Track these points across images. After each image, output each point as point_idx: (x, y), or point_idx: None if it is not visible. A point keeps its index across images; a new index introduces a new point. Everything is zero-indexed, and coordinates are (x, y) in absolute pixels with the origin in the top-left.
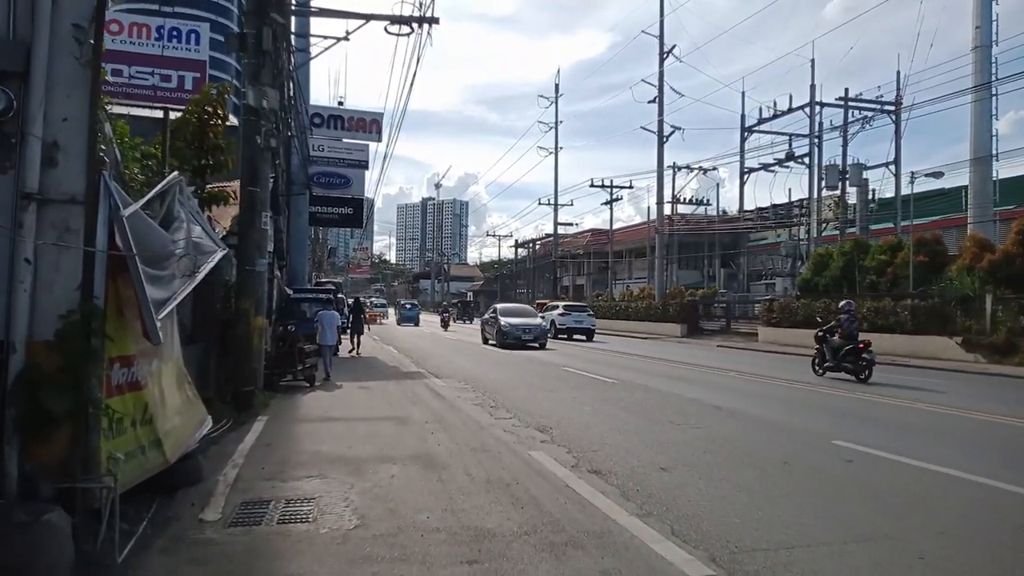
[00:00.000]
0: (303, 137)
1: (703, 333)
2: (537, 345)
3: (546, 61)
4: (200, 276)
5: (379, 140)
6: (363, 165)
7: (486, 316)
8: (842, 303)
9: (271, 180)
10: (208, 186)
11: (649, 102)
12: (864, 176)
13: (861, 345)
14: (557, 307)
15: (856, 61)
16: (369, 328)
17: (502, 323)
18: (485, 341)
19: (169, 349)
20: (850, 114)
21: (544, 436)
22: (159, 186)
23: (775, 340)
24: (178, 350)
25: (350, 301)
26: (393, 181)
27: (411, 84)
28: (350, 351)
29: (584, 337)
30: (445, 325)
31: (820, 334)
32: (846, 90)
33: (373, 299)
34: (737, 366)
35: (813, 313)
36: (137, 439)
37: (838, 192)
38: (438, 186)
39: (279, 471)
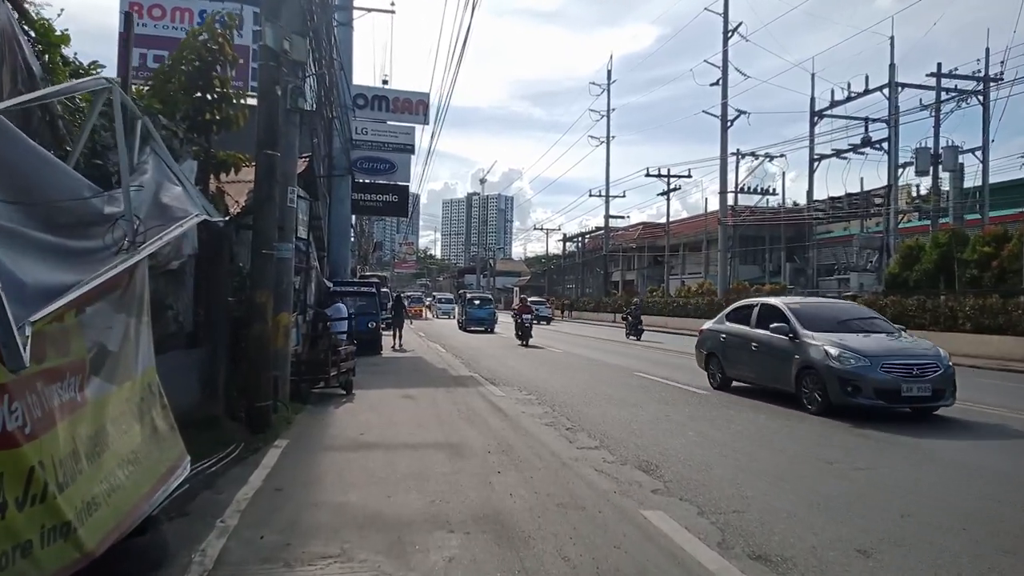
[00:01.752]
0: (345, 118)
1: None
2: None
3: (592, 56)
4: (146, 252)
5: (426, 123)
6: (409, 149)
7: (725, 328)
8: (633, 299)
9: (307, 158)
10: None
11: (711, 84)
12: (960, 160)
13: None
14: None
15: (928, 46)
16: (411, 323)
17: (830, 352)
18: (719, 383)
19: (129, 363)
20: (923, 99)
21: (654, 481)
22: (67, 84)
23: None
24: (147, 362)
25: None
26: (438, 177)
27: (465, 40)
28: (393, 346)
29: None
30: (525, 336)
31: (623, 316)
32: (939, 65)
33: (435, 294)
34: None
35: (905, 312)
36: (11, 533)
37: (927, 178)
38: (483, 181)
39: (284, 543)
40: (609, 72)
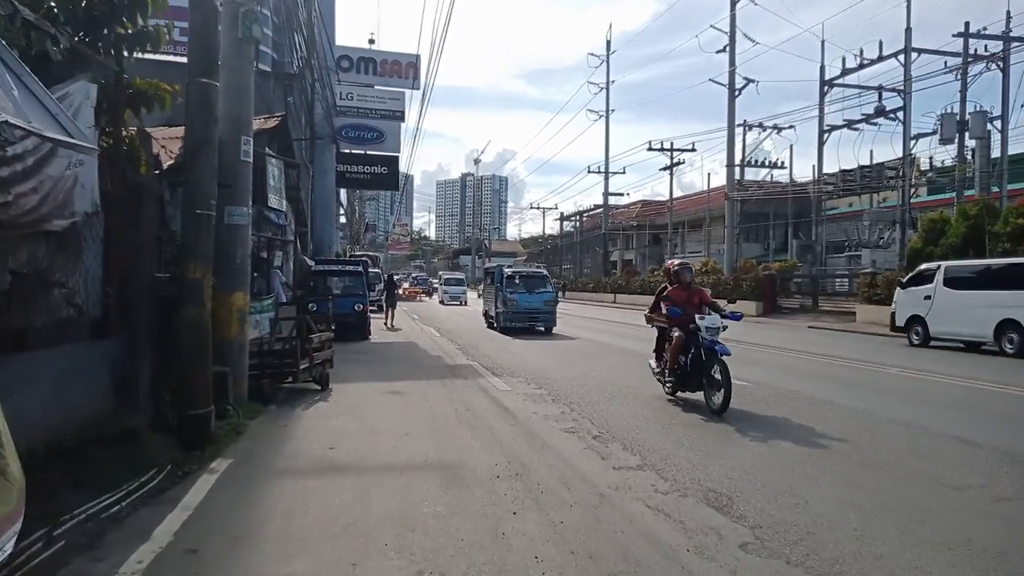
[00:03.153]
0: (327, 81)
1: (782, 312)
2: None
3: (587, 33)
4: None
5: (416, 87)
6: (398, 116)
7: None
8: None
9: (279, 117)
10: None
11: (718, 52)
12: (987, 127)
13: None
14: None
15: (944, 14)
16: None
17: None
18: None
19: None
20: (948, 62)
21: (736, 527)
22: None
23: (878, 320)
24: None
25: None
26: (432, 157)
27: None
28: (384, 325)
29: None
30: (705, 383)
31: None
32: (966, 24)
33: (442, 273)
34: (876, 357)
35: None
36: None
37: (952, 146)
38: (477, 161)
39: None
40: (608, 43)
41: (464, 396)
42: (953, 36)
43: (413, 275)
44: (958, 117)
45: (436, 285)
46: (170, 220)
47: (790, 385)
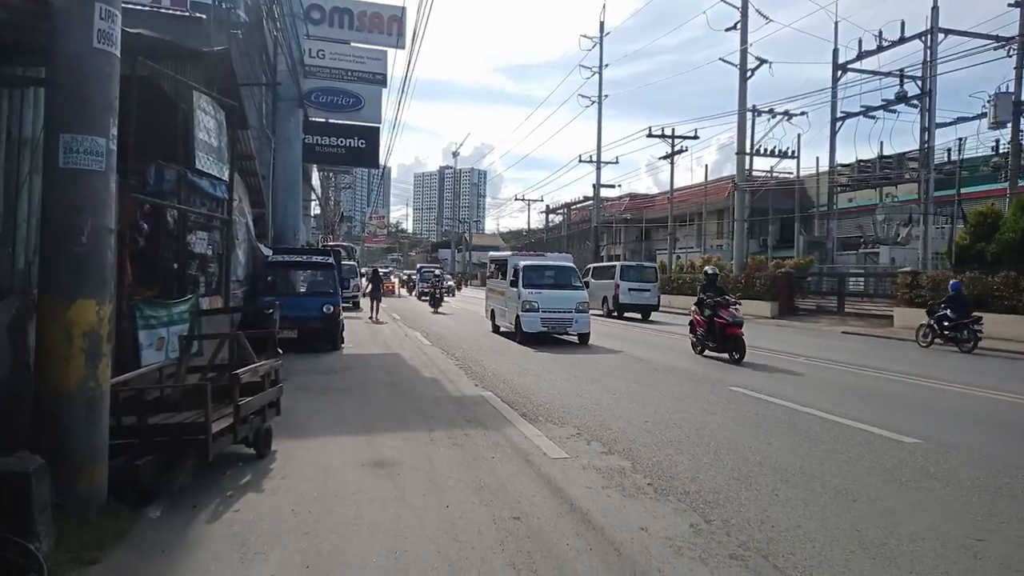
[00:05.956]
0: (293, 32)
1: (799, 313)
2: None
3: (568, 28)
4: None
5: (401, 46)
6: (380, 79)
7: None
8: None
9: (219, 51)
10: None
11: (727, 30)
12: None
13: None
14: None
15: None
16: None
17: None
18: None
19: None
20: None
21: None
22: None
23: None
24: None
25: (363, 270)
26: (409, 150)
27: None
28: (369, 318)
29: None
30: None
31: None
32: None
33: (499, 255)
34: (960, 376)
35: (987, 290)
36: None
37: (1006, 131)
38: (456, 154)
39: None
40: (602, 24)
41: (499, 478)
42: (1009, 6)
43: (421, 267)
44: (1013, 98)
45: (447, 280)
46: None
47: (977, 443)
